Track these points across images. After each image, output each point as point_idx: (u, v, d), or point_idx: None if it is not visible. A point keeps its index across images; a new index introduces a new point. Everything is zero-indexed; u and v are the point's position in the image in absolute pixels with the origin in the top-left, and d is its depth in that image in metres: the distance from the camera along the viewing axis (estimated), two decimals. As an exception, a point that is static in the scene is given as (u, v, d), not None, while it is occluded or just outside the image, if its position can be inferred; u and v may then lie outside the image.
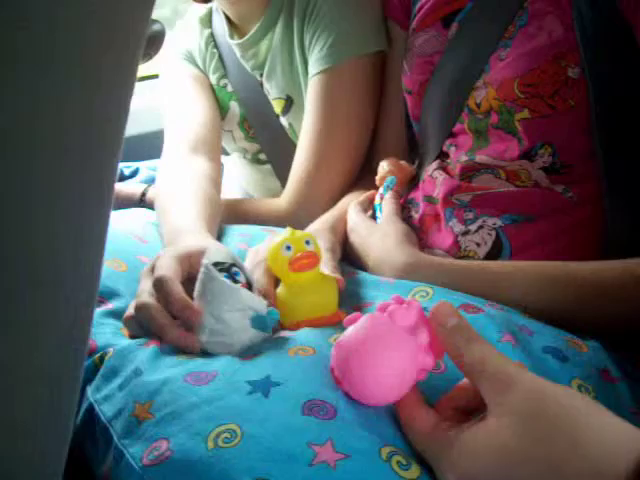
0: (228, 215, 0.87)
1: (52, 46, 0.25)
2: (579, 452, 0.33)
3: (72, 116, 0.27)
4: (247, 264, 0.61)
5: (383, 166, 0.79)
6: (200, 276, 0.53)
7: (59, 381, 0.32)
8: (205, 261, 0.53)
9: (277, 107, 0.99)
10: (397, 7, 0.86)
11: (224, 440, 0.39)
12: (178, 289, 0.53)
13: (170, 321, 0.52)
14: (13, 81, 0.24)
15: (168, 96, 1.02)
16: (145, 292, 0.55)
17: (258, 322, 0.51)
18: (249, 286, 0.55)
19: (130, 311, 0.55)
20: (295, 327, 0.55)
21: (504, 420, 0.36)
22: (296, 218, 0.87)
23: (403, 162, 0.80)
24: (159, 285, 0.53)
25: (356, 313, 0.44)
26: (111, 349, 0.52)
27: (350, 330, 0.43)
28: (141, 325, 0.54)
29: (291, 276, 0.55)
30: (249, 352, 0.49)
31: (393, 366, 0.41)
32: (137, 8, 0.28)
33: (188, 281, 0.55)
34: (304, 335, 0.51)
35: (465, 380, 0.42)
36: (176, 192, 0.82)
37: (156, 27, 0.68)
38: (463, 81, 0.70)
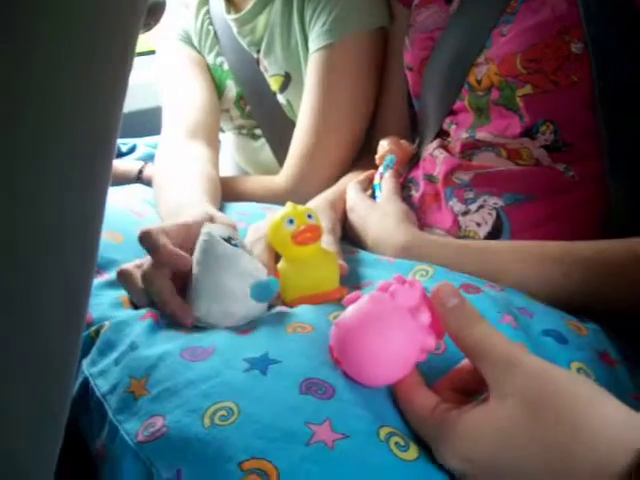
0: (226, 193, 0.87)
1: (45, 15, 0.24)
2: (580, 439, 0.33)
3: (69, 90, 0.26)
4: (247, 241, 0.61)
5: (383, 145, 0.78)
6: (199, 243, 0.52)
7: (59, 354, 0.32)
8: (204, 229, 0.52)
9: (275, 84, 0.98)
10: None
11: (221, 418, 0.38)
12: (164, 240, 0.52)
13: (170, 292, 0.52)
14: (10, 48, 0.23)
15: (165, 78, 1.01)
16: (150, 260, 0.54)
17: (258, 290, 0.50)
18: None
19: (132, 270, 0.55)
20: (296, 302, 0.54)
21: (506, 402, 0.36)
22: (294, 196, 0.86)
23: (403, 141, 0.79)
24: (144, 239, 0.52)
25: (356, 292, 0.44)
26: (107, 322, 0.51)
27: (350, 309, 0.42)
28: (143, 292, 0.54)
29: (293, 250, 0.55)
30: (245, 326, 0.49)
31: (393, 347, 0.40)
32: None
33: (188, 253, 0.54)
34: (303, 311, 0.51)
35: (466, 361, 0.42)
36: (176, 172, 0.82)
37: (156, -4, 0.66)
38: (464, 57, 0.69)
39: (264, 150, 1.07)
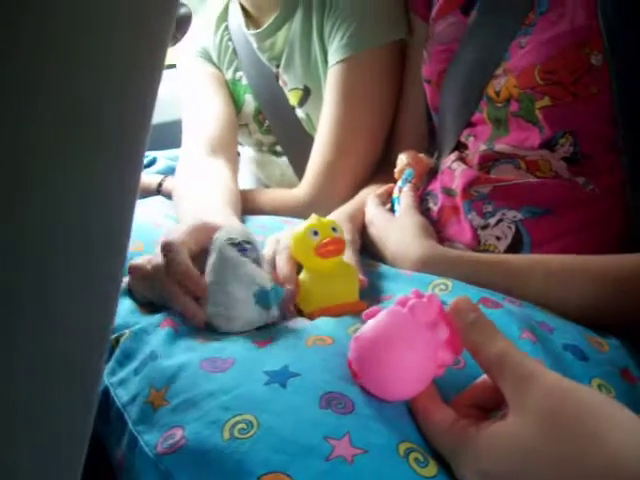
0: (245, 206, 0.88)
1: (83, 31, 0.24)
2: (601, 452, 0.33)
3: (103, 103, 0.27)
4: (266, 252, 0.61)
5: (402, 159, 0.78)
6: (210, 248, 0.54)
7: (87, 363, 0.32)
8: (217, 234, 0.54)
9: (294, 98, 0.99)
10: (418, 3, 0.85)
11: (240, 431, 0.38)
12: (183, 256, 0.53)
13: (179, 291, 0.53)
14: (46, 65, 0.24)
15: (185, 94, 1.03)
16: (160, 256, 0.55)
17: (261, 297, 0.52)
18: (258, 264, 0.54)
19: (142, 264, 0.56)
20: (315, 314, 0.54)
21: (525, 418, 0.35)
22: (313, 209, 0.86)
23: (422, 155, 0.79)
24: (165, 250, 0.54)
25: (375, 307, 0.44)
26: (127, 331, 0.52)
27: (369, 324, 0.42)
28: (152, 287, 0.55)
29: (316, 261, 0.55)
30: (264, 337, 0.49)
31: (412, 362, 0.40)
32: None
33: (201, 255, 0.55)
34: (322, 324, 0.51)
35: (484, 377, 0.42)
36: (197, 186, 0.84)
37: (183, 10, 0.68)
38: (482, 69, 0.69)
39: (289, 168, 1.07)
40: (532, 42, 0.64)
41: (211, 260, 0.53)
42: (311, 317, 0.54)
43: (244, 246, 0.54)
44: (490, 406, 0.40)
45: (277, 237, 0.64)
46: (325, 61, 0.92)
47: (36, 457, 0.29)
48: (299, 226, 0.57)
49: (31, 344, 0.28)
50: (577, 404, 0.35)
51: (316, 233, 0.55)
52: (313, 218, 0.57)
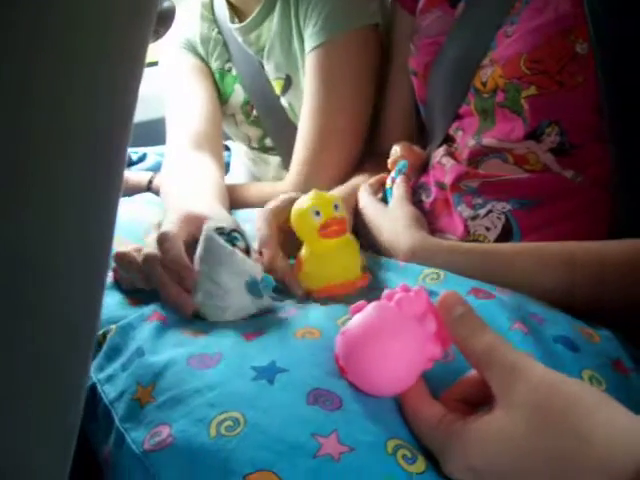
0: (232, 199, 0.87)
1: (56, 28, 0.24)
2: (585, 448, 0.33)
3: (81, 102, 0.26)
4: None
5: (396, 150, 0.77)
6: (200, 239, 0.54)
7: (68, 372, 0.32)
8: (206, 225, 0.54)
9: (277, 87, 0.99)
10: None
11: (227, 428, 0.38)
12: (178, 247, 0.54)
13: (170, 280, 0.53)
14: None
15: (169, 87, 1.02)
16: (152, 245, 0.56)
17: (252, 286, 0.52)
18: (247, 253, 0.55)
19: (131, 253, 0.56)
20: (320, 293, 0.55)
21: (512, 412, 0.35)
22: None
23: (415, 147, 0.79)
24: (162, 240, 0.55)
25: (362, 302, 0.43)
26: (114, 326, 0.52)
27: (356, 318, 0.42)
28: (142, 275, 0.56)
29: (320, 243, 0.56)
30: (253, 330, 0.49)
31: (400, 356, 0.40)
32: None
33: (192, 245, 0.56)
34: (311, 315, 0.51)
35: (473, 371, 0.41)
36: (183, 181, 0.83)
37: (166, 4, 0.67)
38: (469, 60, 0.69)
39: (279, 165, 1.07)
40: (518, 31, 0.64)
41: (200, 249, 0.54)
42: (315, 296, 0.55)
43: (233, 235, 0.54)
44: (478, 400, 0.40)
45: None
46: (303, 49, 0.92)
47: (29, 452, 0.29)
48: (301, 201, 0.57)
49: (27, 343, 0.27)
50: (564, 398, 0.35)
51: (318, 213, 0.55)
52: (314, 195, 0.56)
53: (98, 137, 0.28)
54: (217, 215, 0.58)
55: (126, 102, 0.29)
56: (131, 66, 0.28)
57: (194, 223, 0.57)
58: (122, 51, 0.27)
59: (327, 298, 0.56)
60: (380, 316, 0.41)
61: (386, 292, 0.42)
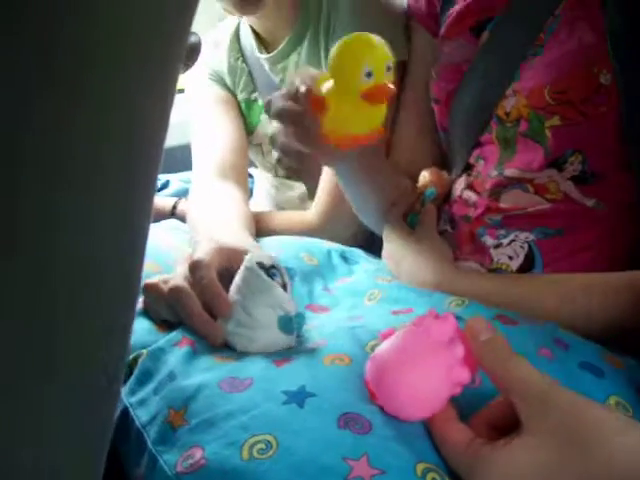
0: (257, 228, 0.88)
1: (95, 58, 0.25)
2: (612, 474, 0.33)
3: (118, 129, 0.27)
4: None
5: (425, 176, 0.77)
6: (240, 269, 0.54)
7: (98, 388, 0.33)
8: (248, 257, 0.54)
9: None
10: (425, 14, 0.84)
11: (259, 451, 0.39)
12: (212, 275, 0.54)
13: (199, 308, 0.53)
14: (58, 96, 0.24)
15: (195, 118, 1.04)
16: (180, 276, 0.56)
17: (284, 323, 0.52)
18: (284, 290, 0.55)
19: (159, 285, 0.57)
20: (342, 142, 0.54)
21: (540, 438, 0.36)
22: (327, 231, 0.87)
23: (444, 173, 0.78)
24: (195, 268, 0.55)
25: (390, 328, 0.44)
26: (144, 351, 0.53)
27: (385, 344, 0.43)
28: (168, 306, 0.55)
29: (356, 97, 0.52)
30: (282, 357, 0.49)
31: (428, 382, 0.40)
32: (179, 18, 0.28)
33: (223, 276, 0.56)
34: (340, 343, 0.51)
35: (499, 396, 0.42)
36: (211, 210, 0.84)
37: (193, 38, 0.69)
38: (492, 89, 0.70)
39: (304, 194, 1.08)
40: (542, 62, 0.64)
41: (238, 280, 0.54)
42: (334, 144, 0.54)
43: (272, 271, 0.54)
44: (506, 425, 0.40)
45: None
46: None
47: (58, 468, 0.30)
48: (353, 48, 0.53)
49: (59, 363, 0.28)
50: (591, 423, 0.35)
51: (370, 75, 0.51)
52: (369, 43, 0.52)
53: (132, 164, 0.29)
54: (251, 248, 0.59)
55: (159, 129, 0.30)
56: (164, 94, 0.29)
57: (226, 255, 0.58)
58: (155, 84, 0.28)
59: (343, 147, 0.56)
60: (409, 341, 0.42)
61: (415, 318, 0.43)
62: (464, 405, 0.43)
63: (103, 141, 0.27)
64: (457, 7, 0.76)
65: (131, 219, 0.30)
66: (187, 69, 0.69)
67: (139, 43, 0.27)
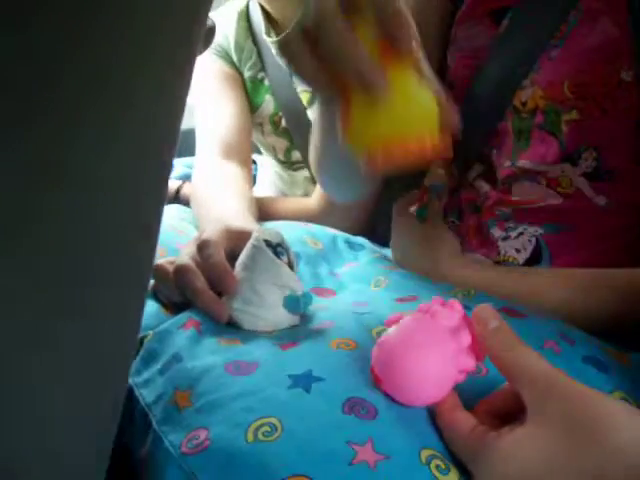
0: (261, 213, 0.88)
1: (114, 41, 0.25)
2: (616, 462, 0.33)
3: (135, 113, 0.27)
4: None
5: (435, 170, 0.77)
6: (247, 247, 0.54)
7: (112, 369, 0.33)
8: (255, 234, 0.54)
9: (304, 99, 1.00)
10: None
11: (264, 433, 0.39)
12: (221, 254, 0.55)
13: (205, 286, 0.54)
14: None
15: (200, 94, 1.03)
16: (186, 255, 0.56)
17: (291, 302, 0.52)
18: (291, 268, 0.55)
19: (165, 265, 0.57)
20: (375, 150, 0.37)
21: (544, 424, 0.36)
22: (328, 217, 0.87)
23: (453, 168, 0.78)
24: (203, 246, 0.55)
25: (397, 314, 0.44)
26: (151, 332, 0.53)
27: (392, 330, 0.43)
28: (175, 287, 0.56)
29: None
30: (288, 340, 0.49)
31: (434, 367, 0.41)
32: (196, 2, 0.28)
33: (229, 257, 0.56)
34: (345, 326, 0.51)
35: (506, 384, 0.42)
36: (215, 190, 0.84)
37: (208, 22, 0.68)
38: (510, 80, 0.69)
39: (309, 182, 1.08)
40: (562, 55, 0.64)
41: (244, 258, 0.54)
42: (367, 155, 0.38)
43: (279, 249, 0.54)
44: (511, 413, 0.40)
45: None
46: None
47: (77, 448, 0.30)
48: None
49: (74, 345, 0.28)
50: (598, 413, 0.35)
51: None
52: None
53: (148, 148, 0.29)
54: (264, 227, 0.59)
55: (176, 112, 0.30)
56: (181, 78, 0.30)
57: (233, 236, 0.58)
58: (175, 65, 0.29)
59: (393, 166, 0.39)
60: (416, 328, 0.42)
61: (421, 305, 0.43)
62: (469, 393, 0.43)
63: (119, 123, 0.27)
64: None
65: (145, 202, 0.30)
66: (200, 53, 0.69)
67: (157, 26, 0.26)
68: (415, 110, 0.38)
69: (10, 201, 0.24)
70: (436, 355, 0.41)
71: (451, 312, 0.42)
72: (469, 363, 0.41)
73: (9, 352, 0.26)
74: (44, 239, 0.26)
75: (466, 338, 0.41)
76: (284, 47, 0.44)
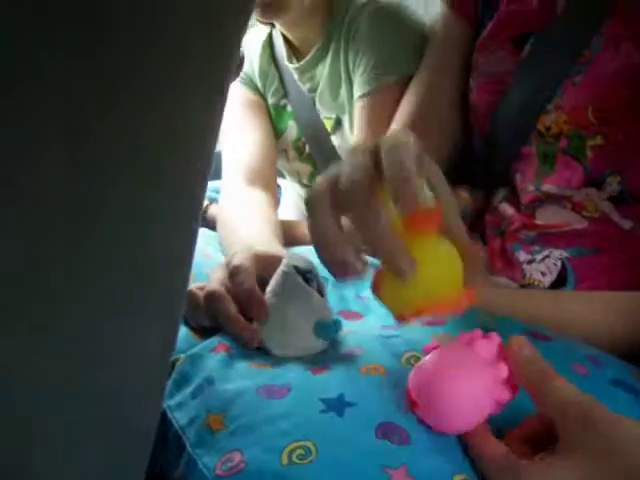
0: (286, 237, 0.89)
1: (153, 64, 0.25)
2: None
3: (175, 135, 0.28)
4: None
5: (459, 194, 0.78)
6: (277, 273, 0.55)
7: (148, 387, 0.34)
8: (285, 261, 0.55)
9: (327, 126, 1.02)
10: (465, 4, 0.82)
11: (299, 457, 0.39)
12: (252, 281, 0.55)
13: (235, 313, 0.54)
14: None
15: (226, 122, 1.05)
16: (216, 281, 0.57)
17: (321, 328, 0.53)
18: (320, 294, 0.56)
19: (195, 291, 0.58)
20: (410, 317, 0.41)
21: (578, 456, 0.36)
22: None
23: (476, 192, 0.78)
24: (235, 272, 0.56)
25: (437, 341, 0.45)
26: (182, 355, 0.54)
27: (431, 356, 0.43)
28: (205, 311, 0.56)
29: (406, 240, 0.40)
30: (319, 365, 0.50)
31: (471, 396, 0.41)
32: (234, 28, 0.29)
33: (258, 283, 0.57)
34: (374, 351, 0.52)
35: (537, 412, 0.42)
36: (242, 216, 0.86)
37: (239, 51, 0.70)
38: (533, 104, 0.69)
39: None
40: (586, 80, 0.64)
41: (274, 284, 0.55)
42: (407, 320, 0.42)
43: (308, 276, 0.55)
44: (541, 442, 0.41)
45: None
46: (350, 93, 0.96)
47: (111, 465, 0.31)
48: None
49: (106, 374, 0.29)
50: (633, 446, 0.35)
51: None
52: None
53: (183, 183, 0.30)
54: (293, 253, 0.60)
55: (211, 136, 0.31)
56: (216, 103, 0.30)
57: (262, 262, 0.59)
58: (211, 90, 0.29)
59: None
60: (455, 356, 0.42)
61: (461, 335, 0.44)
62: (499, 420, 0.43)
63: (163, 160, 0.28)
64: (494, 21, 0.76)
65: (184, 206, 0.31)
66: (232, 82, 0.71)
67: (198, 50, 0.27)
68: (443, 275, 0.41)
69: (48, 237, 0.25)
70: (474, 385, 0.41)
71: (490, 344, 0.42)
72: (505, 395, 0.42)
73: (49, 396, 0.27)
74: (83, 272, 0.27)
75: (503, 370, 0.42)
76: (309, 199, 0.44)
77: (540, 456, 0.38)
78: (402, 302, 0.41)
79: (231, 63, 0.30)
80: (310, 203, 0.43)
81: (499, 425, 0.43)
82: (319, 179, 0.44)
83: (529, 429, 0.42)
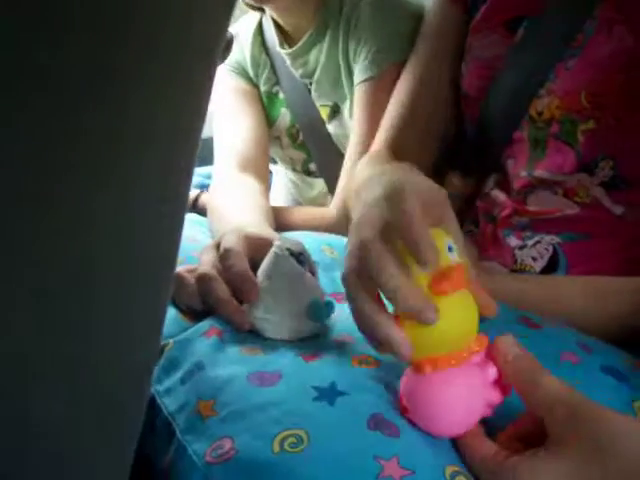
0: (277, 223, 0.89)
1: (139, 50, 0.25)
2: None
3: (159, 120, 0.27)
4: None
5: (452, 182, 0.78)
6: (269, 255, 0.54)
7: (140, 373, 0.34)
8: (277, 243, 0.54)
9: (323, 114, 1.01)
10: None
11: (290, 445, 0.39)
12: (244, 263, 0.55)
13: (228, 295, 0.54)
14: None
15: (217, 110, 1.05)
16: (207, 263, 0.56)
17: (314, 310, 0.52)
18: (313, 276, 0.55)
19: (184, 274, 0.57)
20: (428, 364, 0.41)
21: (567, 451, 0.36)
22: (344, 228, 0.87)
23: (468, 179, 0.79)
24: (226, 256, 0.55)
25: None
26: (171, 340, 0.53)
27: None
28: (195, 294, 0.56)
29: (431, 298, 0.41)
30: (310, 352, 0.49)
31: (462, 401, 0.41)
32: (217, 13, 0.28)
33: (250, 266, 0.56)
34: (366, 343, 0.51)
35: (524, 413, 0.42)
36: (232, 202, 0.85)
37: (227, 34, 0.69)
38: (526, 89, 0.69)
39: (322, 189, 1.08)
40: (579, 64, 0.64)
41: (266, 266, 0.54)
42: (420, 370, 0.41)
43: (301, 258, 0.54)
44: (532, 440, 0.40)
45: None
46: (350, 80, 0.95)
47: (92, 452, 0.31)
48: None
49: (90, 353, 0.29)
50: (622, 441, 0.35)
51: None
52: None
53: (169, 170, 0.29)
54: (284, 235, 0.59)
55: (197, 122, 0.30)
56: (202, 88, 0.30)
57: (253, 245, 0.59)
58: (195, 75, 0.29)
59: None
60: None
61: None
62: (491, 418, 0.43)
63: (151, 130, 0.27)
64: (487, 4, 0.75)
65: (169, 206, 0.31)
66: (219, 64, 0.70)
67: (181, 35, 0.27)
68: (461, 327, 0.42)
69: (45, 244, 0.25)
70: (464, 388, 0.41)
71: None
72: (496, 397, 0.42)
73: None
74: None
75: (493, 372, 0.41)
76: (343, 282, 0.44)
77: (530, 452, 0.38)
78: (418, 351, 0.41)
79: (215, 56, 0.30)
80: (345, 286, 0.44)
81: (491, 424, 0.43)
82: (346, 261, 0.44)
83: (521, 427, 0.42)
